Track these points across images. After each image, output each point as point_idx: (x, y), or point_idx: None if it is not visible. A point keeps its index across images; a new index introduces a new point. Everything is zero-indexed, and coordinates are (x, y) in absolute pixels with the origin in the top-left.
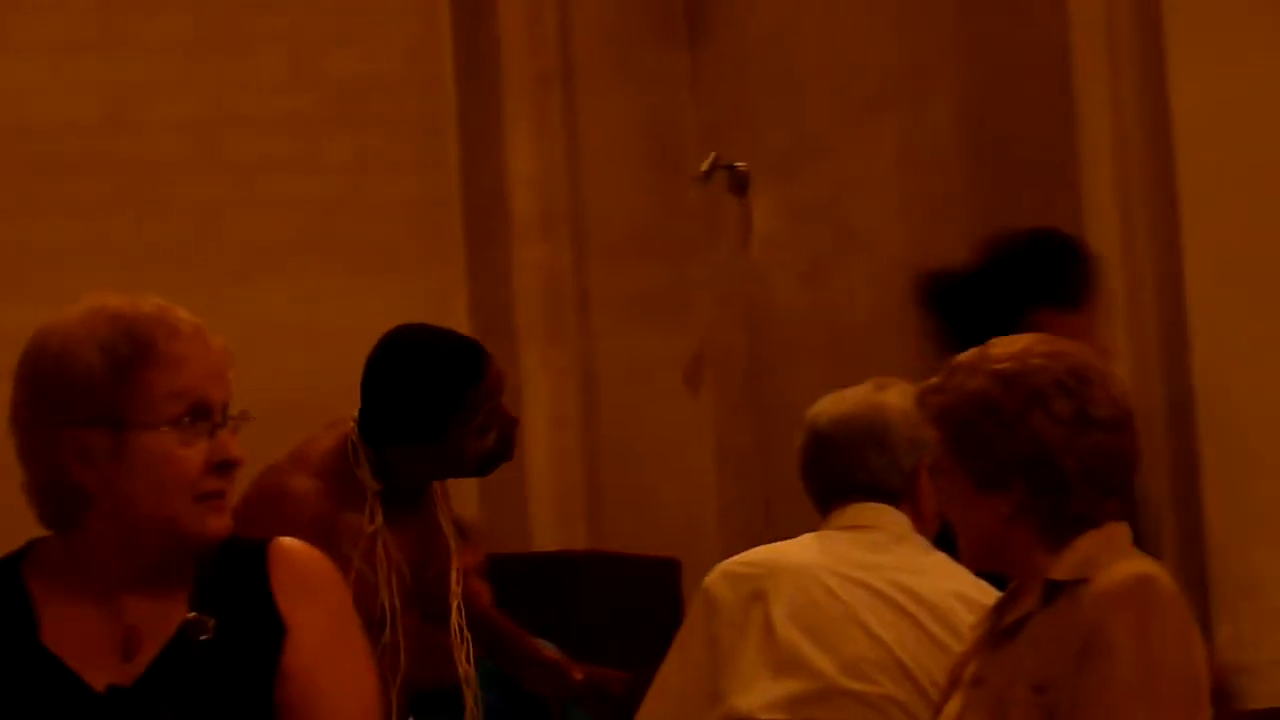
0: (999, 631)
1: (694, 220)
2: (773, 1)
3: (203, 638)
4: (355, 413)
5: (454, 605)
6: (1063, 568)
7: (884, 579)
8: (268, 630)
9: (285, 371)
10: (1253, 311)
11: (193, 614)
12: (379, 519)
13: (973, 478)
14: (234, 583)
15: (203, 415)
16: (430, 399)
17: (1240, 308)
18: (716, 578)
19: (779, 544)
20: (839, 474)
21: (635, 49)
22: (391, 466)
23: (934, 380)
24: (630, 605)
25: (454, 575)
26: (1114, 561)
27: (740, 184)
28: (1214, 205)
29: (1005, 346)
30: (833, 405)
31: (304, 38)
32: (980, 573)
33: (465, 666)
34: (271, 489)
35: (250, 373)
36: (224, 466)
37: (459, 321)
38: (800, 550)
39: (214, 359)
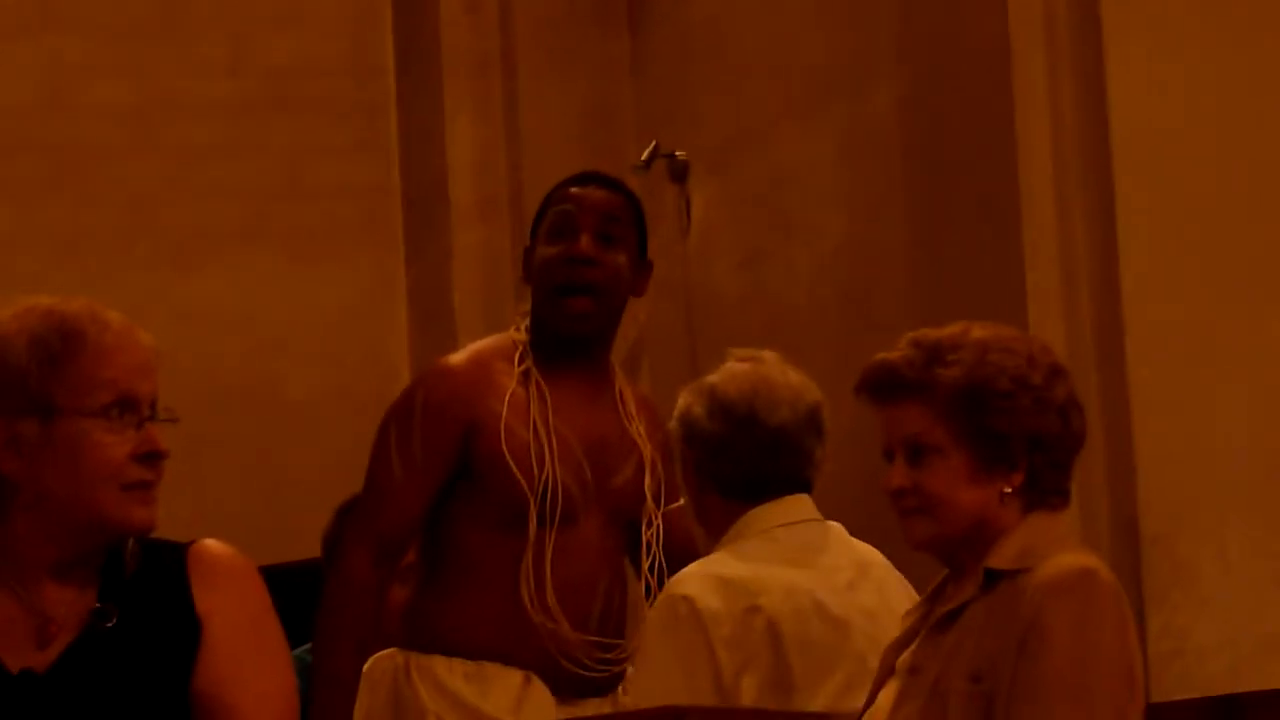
0: (935, 620)
1: None
2: None
3: (107, 625)
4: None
5: (645, 525)
6: (1002, 556)
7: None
8: (183, 625)
9: (223, 358)
10: (1187, 303)
11: (99, 604)
12: (527, 362)
13: (980, 455)
14: (152, 578)
15: (130, 408)
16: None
17: (1175, 299)
18: (699, 589)
19: (751, 557)
20: (792, 466)
21: (576, 36)
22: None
23: (924, 352)
24: None
25: (647, 486)
26: (1056, 552)
27: (679, 172)
28: (1150, 197)
29: (977, 329)
30: (782, 392)
31: (243, 22)
32: None
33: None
34: (426, 369)
35: (187, 360)
36: (150, 457)
37: (398, 307)
38: (780, 567)
39: (142, 354)
